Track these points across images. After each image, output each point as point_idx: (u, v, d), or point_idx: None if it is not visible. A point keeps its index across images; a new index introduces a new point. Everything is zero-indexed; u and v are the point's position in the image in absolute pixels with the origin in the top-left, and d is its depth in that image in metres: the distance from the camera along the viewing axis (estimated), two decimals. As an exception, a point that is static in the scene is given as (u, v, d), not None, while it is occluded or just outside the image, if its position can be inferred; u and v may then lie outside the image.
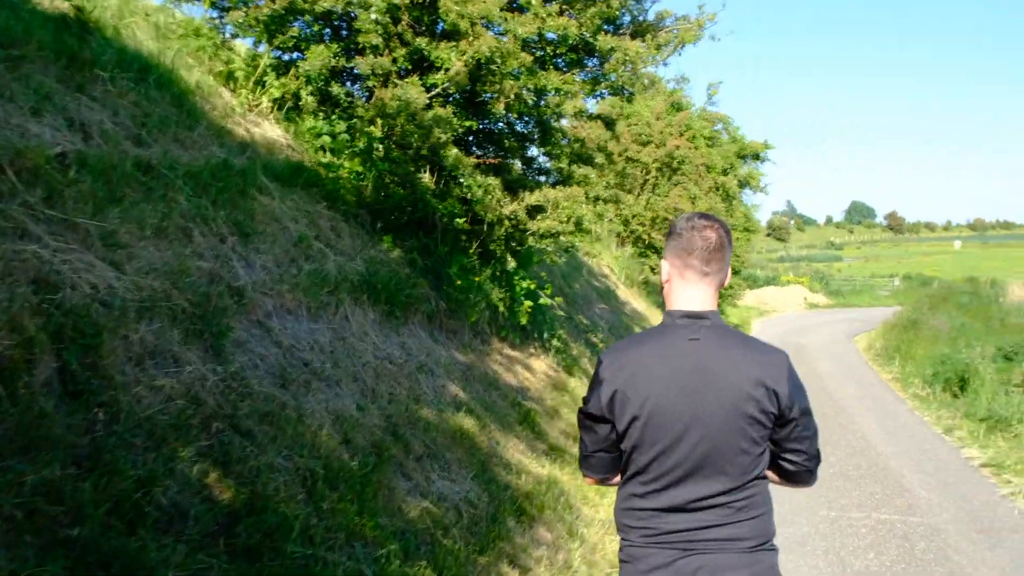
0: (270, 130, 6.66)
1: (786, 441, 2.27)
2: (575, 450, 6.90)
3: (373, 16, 6.51)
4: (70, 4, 5.27)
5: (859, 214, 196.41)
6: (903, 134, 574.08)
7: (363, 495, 3.90)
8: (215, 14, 6.79)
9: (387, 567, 3.62)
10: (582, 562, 5.20)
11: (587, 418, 2.34)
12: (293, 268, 5.03)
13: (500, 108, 6.71)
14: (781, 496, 7.28)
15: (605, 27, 7.49)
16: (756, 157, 25.43)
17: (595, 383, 2.31)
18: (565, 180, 7.99)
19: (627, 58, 7.41)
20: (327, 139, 6.70)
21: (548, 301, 8.99)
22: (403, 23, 6.70)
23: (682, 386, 2.21)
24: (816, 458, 2.34)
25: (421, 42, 6.65)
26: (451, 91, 6.72)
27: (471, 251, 7.38)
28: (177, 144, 5.06)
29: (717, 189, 21.74)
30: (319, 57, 6.61)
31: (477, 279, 7.21)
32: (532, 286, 8.27)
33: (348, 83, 7.36)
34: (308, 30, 7.04)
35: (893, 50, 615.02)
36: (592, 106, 8.62)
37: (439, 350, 6.44)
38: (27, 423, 2.63)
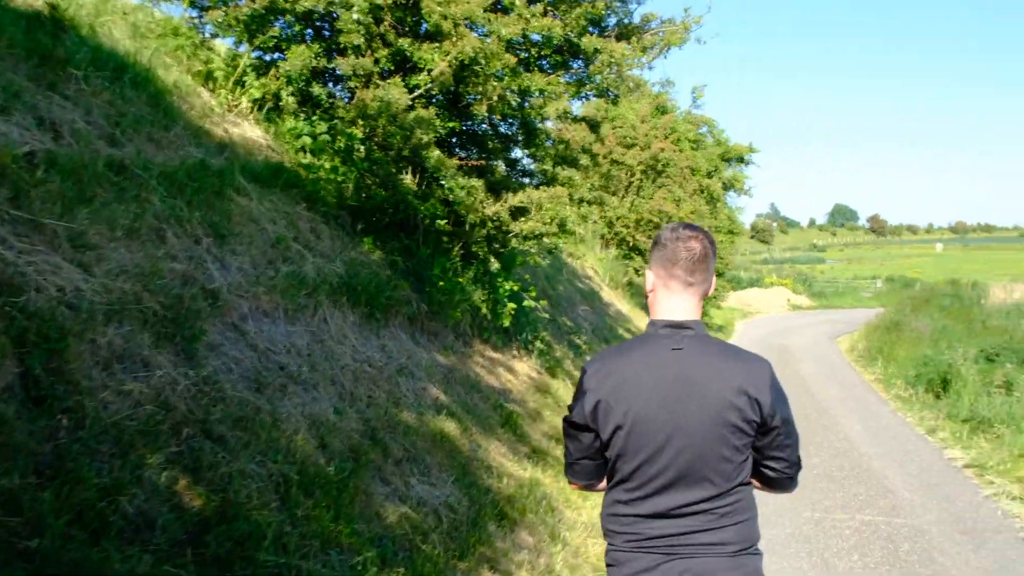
0: (250, 131, 6.58)
1: (767, 449, 2.30)
2: (558, 452, 6.85)
3: (355, 16, 6.44)
4: (44, 1, 5.18)
5: (842, 217, 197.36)
6: (886, 137, 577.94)
7: (339, 501, 3.83)
8: (194, 13, 6.71)
9: (364, 575, 3.55)
10: (564, 566, 5.14)
11: (571, 427, 2.36)
12: (270, 270, 4.95)
13: (483, 110, 6.65)
14: (765, 498, 7.23)
15: (590, 29, 7.45)
16: (741, 160, 25.46)
17: (579, 393, 2.32)
18: (549, 182, 7.93)
19: (612, 60, 7.37)
20: (307, 140, 6.62)
21: (532, 304, 8.93)
22: (385, 23, 6.63)
23: (665, 396, 2.22)
24: (797, 465, 2.37)
25: (404, 43, 6.58)
26: (434, 92, 6.66)
27: (453, 253, 7.31)
28: (152, 144, 4.97)
29: (701, 192, 21.76)
30: (300, 57, 6.53)
31: (460, 279, 7.14)
32: (516, 288, 8.21)
33: (330, 84, 7.28)
34: (289, 30, 6.96)
35: (876, 53, 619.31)
36: (577, 108, 8.58)
37: (420, 352, 6.38)
38: (-13, 430, 2.55)
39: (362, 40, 6.38)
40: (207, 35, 6.84)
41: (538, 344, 9.01)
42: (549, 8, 6.93)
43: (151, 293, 3.76)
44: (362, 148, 6.64)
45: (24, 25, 4.79)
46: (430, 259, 6.96)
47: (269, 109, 6.81)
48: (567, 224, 7.89)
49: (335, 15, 6.61)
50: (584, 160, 8.51)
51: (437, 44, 6.55)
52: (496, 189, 7.38)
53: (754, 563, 2.28)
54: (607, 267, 19.41)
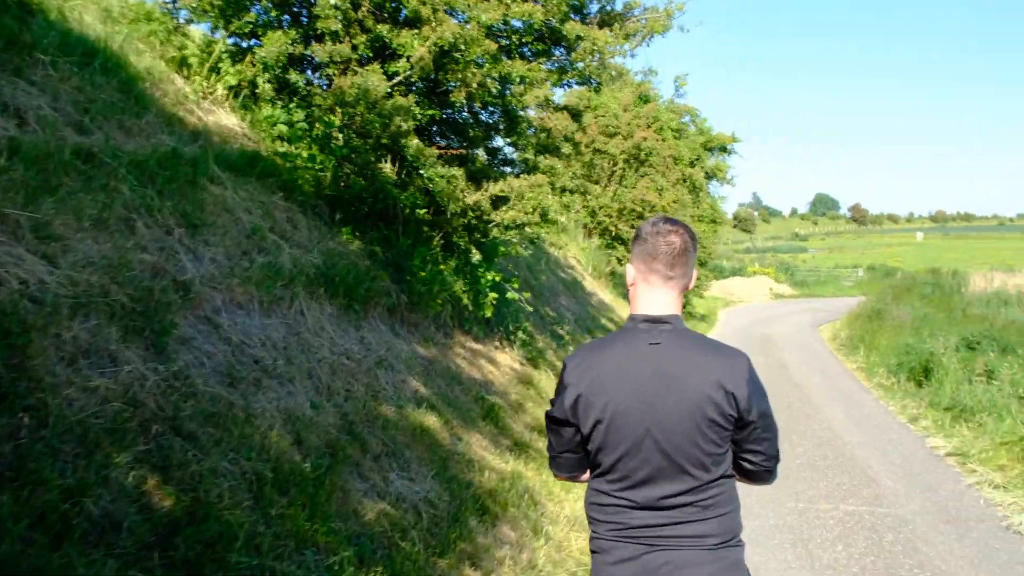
0: (225, 118, 6.44)
1: (745, 442, 2.32)
2: (540, 444, 6.78)
3: (333, 1, 6.30)
4: (10, -16, 5.02)
5: (823, 206, 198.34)
6: (867, 127, 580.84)
7: (315, 499, 3.73)
8: (168, -2, 6.56)
9: (340, 575, 3.46)
10: (547, 561, 5.06)
11: (552, 422, 2.39)
12: (245, 261, 4.83)
13: (462, 97, 6.53)
14: (748, 488, 7.16)
15: (572, 16, 7.33)
16: (723, 149, 25.45)
17: (560, 387, 2.35)
18: (530, 170, 7.83)
19: (595, 47, 7.26)
20: (283, 127, 6.48)
21: (516, 296, 8.83)
22: (364, 9, 6.49)
23: (643, 390, 2.24)
24: (774, 458, 2.39)
25: (383, 29, 6.45)
26: (413, 79, 6.53)
27: (434, 243, 7.20)
28: (122, 132, 4.83)
29: (684, 181, 21.71)
30: (276, 43, 6.39)
31: (442, 268, 7.04)
32: (498, 278, 8.11)
33: (308, 71, 7.15)
34: (265, 16, 6.81)
35: (856, 45, 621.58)
36: (560, 97, 8.48)
37: (400, 344, 6.27)
38: (-59, 430, 2.43)
39: (340, 26, 6.25)
40: (181, 20, 6.70)
41: (520, 335, 8.92)
42: (530, -8, 6.82)
43: (119, 285, 3.64)
44: (340, 136, 6.51)
45: (-12, 9, 4.64)
46: (410, 249, 6.84)
47: (245, 96, 6.67)
48: (549, 213, 7.80)
49: (312, 0, 6.47)
50: (566, 148, 8.40)
51: (416, 30, 6.43)
52: (477, 178, 7.27)
53: (735, 555, 2.30)
54: (590, 257, 19.34)
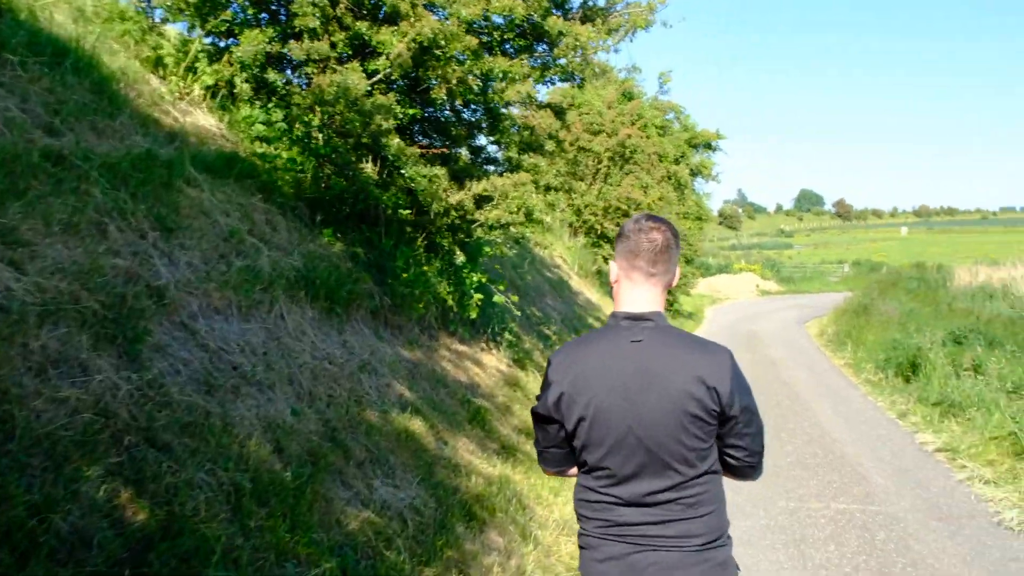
0: (202, 119, 6.31)
1: (728, 437, 2.32)
2: (528, 447, 6.68)
3: (310, -3, 6.18)
4: (-23, -17, 4.89)
5: (808, 202, 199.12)
6: (850, 123, 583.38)
7: (296, 509, 3.62)
8: (143, -4, 6.42)
9: (322, 587, 3.35)
10: (536, 567, 4.97)
11: (537, 418, 2.42)
12: (222, 264, 4.71)
13: (442, 94, 6.42)
14: (739, 487, 7.08)
15: (554, 11, 7.24)
16: (708, 146, 25.41)
17: (544, 384, 2.38)
18: (514, 169, 7.73)
19: (577, 43, 7.17)
20: (260, 127, 6.36)
21: (503, 299, 8.72)
22: (342, 6, 6.38)
23: (625, 387, 2.26)
24: (758, 454, 2.40)
25: (362, 26, 6.33)
26: (394, 77, 6.42)
27: (417, 243, 7.10)
28: (95, 133, 4.71)
29: (669, 178, 21.66)
30: (253, 42, 6.26)
31: (426, 269, 6.93)
32: (483, 280, 8.01)
33: (287, 71, 7.03)
34: (243, 14, 6.69)
35: (840, 41, 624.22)
36: (543, 95, 8.38)
37: (384, 348, 6.16)
38: (-103, 447, 2.32)
39: (318, 23, 6.13)
40: (156, 20, 6.56)
41: (507, 336, 8.82)
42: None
43: (90, 292, 3.52)
44: (320, 136, 6.40)
45: (-46, 8, 4.50)
46: (393, 250, 6.73)
47: (223, 97, 6.54)
48: (534, 213, 7.70)
49: (290, -2, 6.36)
50: (550, 146, 8.30)
51: (396, 27, 6.32)
52: (460, 177, 7.17)
53: (723, 554, 2.31)
54: (576, 255, 19.27)
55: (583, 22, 7.38)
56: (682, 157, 23.18)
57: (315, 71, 6.32)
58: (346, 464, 4.41)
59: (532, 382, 8.58)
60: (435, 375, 6.64)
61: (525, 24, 6.96)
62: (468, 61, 6.37)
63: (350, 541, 3.84)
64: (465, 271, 7.60)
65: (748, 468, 2.39)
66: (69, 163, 4.12)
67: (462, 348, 7.82)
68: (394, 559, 3.95)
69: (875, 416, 10.49)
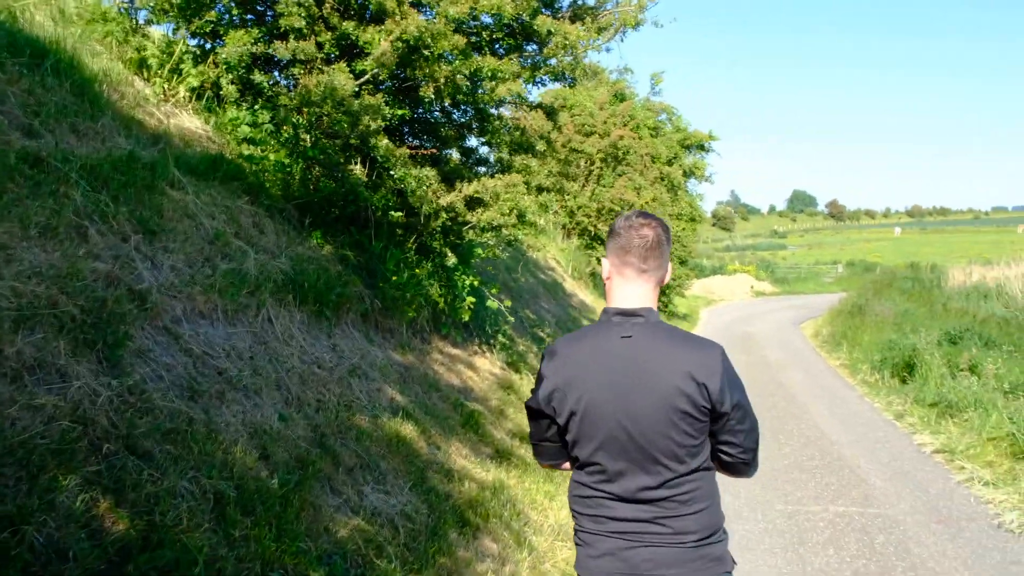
0: (188, 121, 6.22)
1: (720, 433, 2.32)
2: (523, 452, 6.59)
3: (295, -3, 6.09)
4: (-47, -16, 4.79)
5: (801, 203, 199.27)
6: (842, 123, 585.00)
7: (283, 517, 3.51)
8: (126, -3, 6.33)
9: (310, 597, 3.26)
10: (531, 573, 4.87)
11: (530, 411, 2.45)
12: (207, 268, 4.60)
13: (430, 92, 6.32)
14: (736, 490, 7.01)
15: (543, 10, 7.15)
16: (701, 148, 25.33)
17: (538, 379, 2.41)
18: (505, 169, 7.64)
19: (567, 42, 7.08)
20: (247, 128, 6.26)
21: (496, 304, 8.61)
22: (328, 5, 6.28)
23: (615, 383, 2.26)
24: (752, 451, 2.38)
25: (348, 26, 6.24)
26: (381, 77, 6.32)
27: (408, 246, 7.00)
28: (75, 135, 4.61)
29: (662, 179, 21.58)
30: (239, 43, 6.16)
31: (418, 271, 6.83)
32: (476, 283, 7.92)
33: (274, 71, 6.93)
34: (228, 15, 6.59)
35: (830, 42, 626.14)
36: (534, 96, 8.30)
37: (374, 351, 6.06)
38: None
39: (303, 23, 6.03)
40: (140, 21, 6.47)
41: (500, 339, 8.73)
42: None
43: (68, 296, 3.42)
44: (308, 137, 6.30)
45: (-70, 8, 4.41)
46: (383, 253, 6.64)
47: (209, 98, 6.45)
48: (526, 214, 7.61)
49: (275, -2, 6.26)
50: (541, 146, 8.21)
51: (382, 27, 6.23)
52: (450, 179, 7.09)
53: (718, 550, 2.32)
54: (569, 257, 19.20)
55: (572, 21, 7.29)
56: (675, 158, 23.11)
57: (302, 72, 6.23)
58: (335, 470, 4.31)
59: (526, 385, 8.48)
60: (427, 379, 6.55)
61: (514, 23, 6.87)
62: (456, 61, 6.28)
63: (339, 549, 3.74)
64: (457, 273, 7.51)
65: (742, 465, 2.38)
66: (47, 165, 4.02)
67: (455, 351, 7.72)
68: (385, 567, 3.85)
69: (872, 417, 10.42)
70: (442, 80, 6.19)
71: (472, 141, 8.01)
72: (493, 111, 7.42)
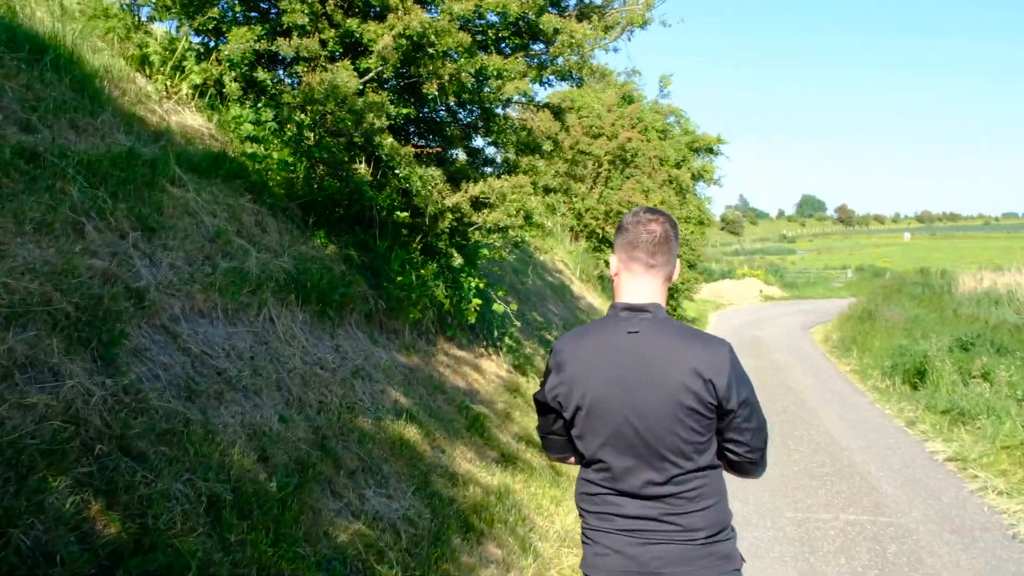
0: (190, 118, 6.14)
1: (727, 431, 2.29)
2: (529, 455, 6.49)
3: (299, -7, 6.01)
4: (-48, -22, 4.72)
5: (810, 207, 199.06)
6: (852, 128, 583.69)
7: (281, 521, 3.42)
8: (128, -7, 6.26)
9: (307, 604, 3.16)
10: (535, 580, 4.78)
11: (538, 405, 2.46)
12: (207, 266, 4.52)
13: (433, 89, 6.23)
14: (745, 495, 6.89)
15: (549, 8, 7.06)
16: (709, 151, 25.19)
17: (546, 372, 2.42)
18: (511, 170, 7.54)
19: (573, 41, 6.99)
20: (249, 126, 6.18)
21: (502, 307, 8.51)
22: (331, 2, 6.20)
23: (621, 378, 2.25)
24: (760, 450, 2.36)
25: (352, 23, 6.16)
26: (385, 74, 6.24)
27: (413, 246, 6.91)
28: (74, 131, 4.53)
29: (670, 182, 21.46)
30: (242, 40, 6.08)
31: (423, 272, 6.74)
32: (482, 285, 7.82)
33: (278, 69, 6.85)
34: (231, 12, 6.52)
35: (839, 46, 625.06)
36: (541, 96, 8.22)
37: (378, 352, 5.98)
38: None
39: (307, 20, 5.96)
40: (143, 17, 6.40)
41: (507, 341, 8.63)
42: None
43: (63, 293, 3.34)
44: (311, 136, 6.22)
45: (-72, 2, 4.34)
46: (388, 253, 6.55)
47: (212, 96, 6.37)
48: (533, 216, 7.52)
49: (279, -6, 6.19)
50: (548, 147, 8.12)
51: (385, 23, 6.15)
52: (456, 179, 7.00)
53: (726, 548, 2.30)
54: (577, 260, 19.10)
55: (579, 20, 7.20)
56: (683, 161, 22.98)
57: (305, 69, 6.15)
58: (336, 473, 4.21)
59: (533, 388, 8.38)
60: (432, 381, 6.46)
61: (520, 22, 6.78)
62: (461, 59, 6.19)
63: (339, 555, 3.65)
64: (463, 275, 7.41)
65: (749, 464, 2.36)
66: (44, 160, 3.94)
67: (460, 353, 7.63)
68: (386, 573, 3.76)
69: (883, 424, 10.29)
70: (446, 78, 6.10)
71: (478, 141, 7.93)
72: (499, 111, 7.32)
